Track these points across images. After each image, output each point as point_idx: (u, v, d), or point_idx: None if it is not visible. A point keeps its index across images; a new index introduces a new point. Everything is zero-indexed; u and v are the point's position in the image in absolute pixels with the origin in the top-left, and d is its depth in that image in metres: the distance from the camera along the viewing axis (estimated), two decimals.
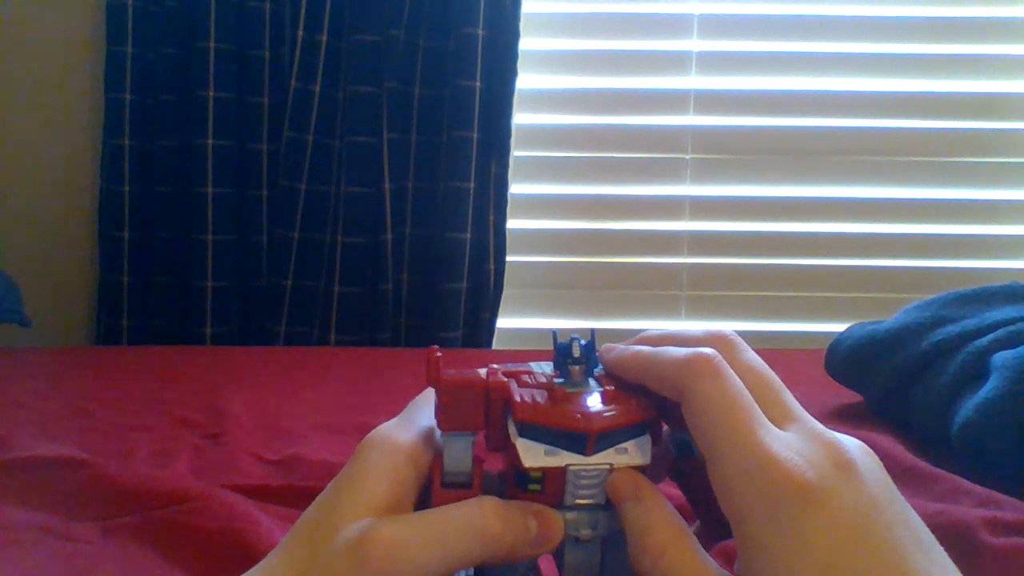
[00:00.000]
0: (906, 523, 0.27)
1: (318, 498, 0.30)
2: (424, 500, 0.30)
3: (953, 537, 0.53)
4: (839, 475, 0.27)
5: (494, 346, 1.37)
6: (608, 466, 0.29)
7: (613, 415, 0.29)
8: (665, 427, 0.33)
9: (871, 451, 0.29)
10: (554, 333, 0.32)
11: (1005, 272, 1.38)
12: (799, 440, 0.28)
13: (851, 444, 0.28)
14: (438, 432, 0.31)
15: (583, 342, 0.31)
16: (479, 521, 0.28)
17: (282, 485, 0.66)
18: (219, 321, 1.30)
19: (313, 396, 0.93)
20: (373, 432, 0.31)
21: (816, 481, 0.26)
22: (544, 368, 0.32)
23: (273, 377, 1.01)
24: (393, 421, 0.32)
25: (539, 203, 1.42)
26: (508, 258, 1.36)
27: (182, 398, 0.89)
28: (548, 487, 0.29)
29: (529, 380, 0.31)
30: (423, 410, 0.32)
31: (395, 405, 0.34)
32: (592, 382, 0.31)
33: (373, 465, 0.29)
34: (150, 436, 0.77)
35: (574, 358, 0.31)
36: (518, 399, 0.29)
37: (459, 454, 0.30)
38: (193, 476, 0.68)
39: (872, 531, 0.26)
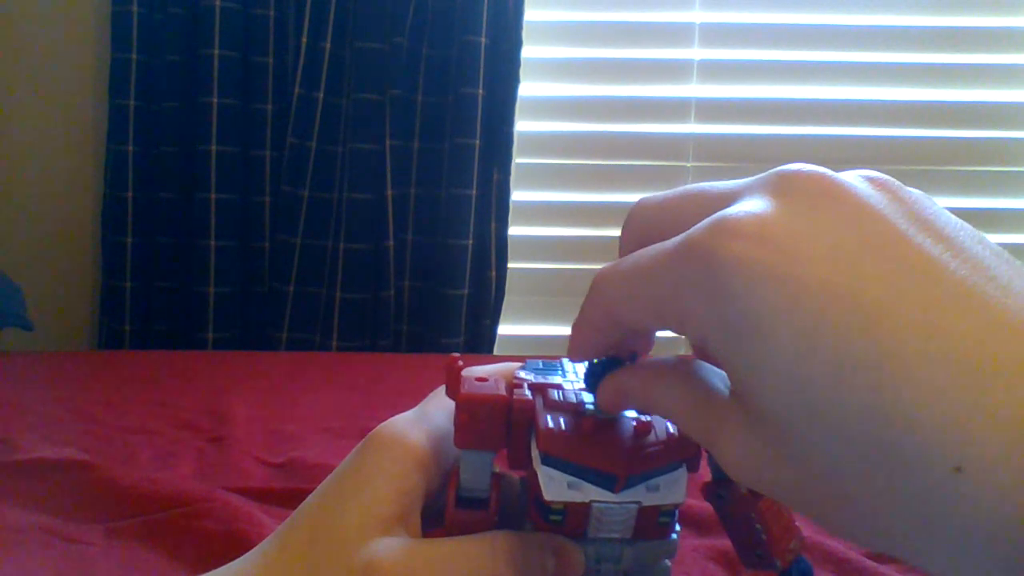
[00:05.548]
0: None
1: (321, 492, 0.29)
2: (433, 505, 0.29)
3: None
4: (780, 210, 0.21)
5: (495, 352, 1.37)
6: (637, 504, 0.27)
7: (647, 456, 0.26)
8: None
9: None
10: None
11: None
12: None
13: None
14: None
15: (620, 362, 0.28)
16: (490, 564, 0.27)
17: (284, 488, 0.66)
18: (221, 326, 1.30)
19: (315, 400, 0.93)
20: (384, 427, 0.30)
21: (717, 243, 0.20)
22: (576, 373, 0.30)
23: (275, 381, 1.02)
24: (406, 416, 0.30)
25: (541, 210, 1.43)
26: (509, 265, 1.36)
27: (184, 402, 0.89)
28: (570, 519, 0.27)
29: (557, 398, 0.28)
30: (439, 407, 0.31)
31: (396, 410, 0.32)
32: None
33: (380, 470, 0.28)
34: (153, 439, 0.77)
35: None
36: (543, 426, 0.27)
37: (477, 471, 0.28)
38: (196, 479, 0.68)
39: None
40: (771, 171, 0.22)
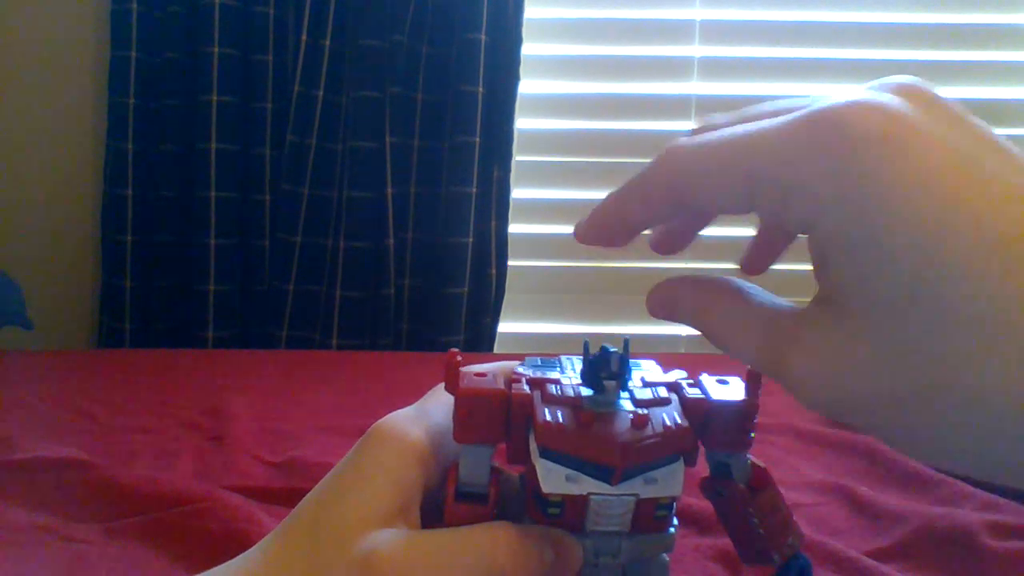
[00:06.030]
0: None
1: (321, 487, 0.29)
2: (432, 500, 0.29)
3: (955, 540, 0.53)
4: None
5: (495, 350, 1.37)
6: (634, 496, 0.27)
7: (644, 447, 0.26)
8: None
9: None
10: (585, 344, 0.29)
11: None
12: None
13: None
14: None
15: (619, 355, 0.28)
16: (490, 554, 0.27)
17: (284, 487, 0.66)
18: (221, 325, 1.30)
19: (314, 399, 0.93)
20: (383, 422, 0.30)
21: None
22: (574, 369, 0.30)
23: (275, 380, 1.02)
24: (406, 412, 0.31)
25: (541, 208, 1.42)
26: (510, 263, 1.36)
27: (184, 401, 0.89)
28: (568, 512, 0.27)
29: (555, 392, 0.28)
30: (438, 404, 0.31)
31: (396, 408, 0.32)
32: (624, 399, 0.28)
33: (380, 465, 0.28)
34: (152, 438, 0.77)
35: (611, 373, 0.28)
36: (541, 419, 0.27)
37: (476, 466, 0.29)
38: (195, 478, 0.68)
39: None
40: (873, 82, 0.22)
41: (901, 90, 0.21)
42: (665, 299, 0.26)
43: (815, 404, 0.22)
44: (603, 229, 0.26)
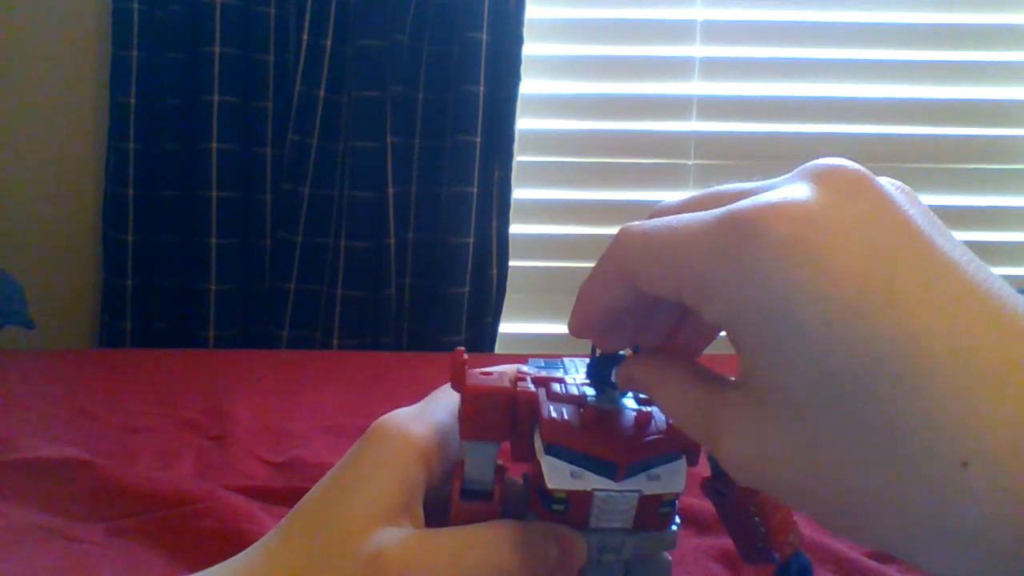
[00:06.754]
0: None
1: (323, 484, 0.29)
2: (435, 498, 0.30)
3: None
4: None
5: (496, 351, 1.37)
6: (637, 493, 0.27)
7: (647, 444, 0.27)
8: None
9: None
10: (593, 346, 0.29)
11: (1008, 280, 1.38)
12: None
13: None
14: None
15: (626, 356, 0.29)
16: (495, 553, 0.27)
17: (285, 487, 0.66)
18: (222, 324, 1.30)
19: (316, 399, 0.93)
20: (384, 420, 0.30)
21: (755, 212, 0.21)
22: (579, 369, 0.31)
23: (276, 380, 1.02)
24: (408, 410, 0.31)
25: (542, 208, 1.42)
26: (511, 263, 1.36)
27: (185, 401, 0.89)
28: (573, 508, 0.28)
29: (560, 390, 0.29)
30: (441, 403, 0.31)
31: (398, 408, 0.32)
32: (628, 398, 0.29)
33: (383, 462, 0.28)
34: (154, 438, 0.77)
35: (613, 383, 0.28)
36: (546, 416, 0.28)
37: (481, 463, 0.29)
38: (196, 478, 0.68)
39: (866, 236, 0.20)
40: (809, 163, 0.22)
41: (825, 178, 0.21)
42: (626, 377, 0.27)
43: (747, 483, 0.23)
44: (587, 318, 0.26)
